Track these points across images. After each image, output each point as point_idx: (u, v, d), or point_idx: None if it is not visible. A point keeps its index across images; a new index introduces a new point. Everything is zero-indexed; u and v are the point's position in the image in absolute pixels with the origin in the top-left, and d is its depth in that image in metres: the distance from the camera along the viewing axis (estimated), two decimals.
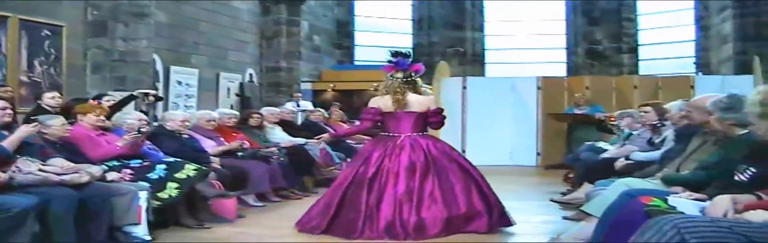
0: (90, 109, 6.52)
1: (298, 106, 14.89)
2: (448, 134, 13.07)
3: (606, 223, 3.99)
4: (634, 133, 8.15)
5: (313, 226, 6.11)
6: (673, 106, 6.30)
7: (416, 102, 6.42)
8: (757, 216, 3.02)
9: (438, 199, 6.04)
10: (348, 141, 11.32)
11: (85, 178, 5.26)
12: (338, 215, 6.06)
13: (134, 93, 8.72)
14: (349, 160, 10.48)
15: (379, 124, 6.55)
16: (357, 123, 8.11)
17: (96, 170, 5.53)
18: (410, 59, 6.60)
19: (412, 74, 6.51)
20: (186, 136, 7.65)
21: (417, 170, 6.12)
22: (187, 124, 7.73)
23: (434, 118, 6.48)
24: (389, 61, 6.59)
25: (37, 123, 5.56)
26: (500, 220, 6.24)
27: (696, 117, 4.96)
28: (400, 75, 6.46)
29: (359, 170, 6.22)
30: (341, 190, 6.17)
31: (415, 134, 6.38)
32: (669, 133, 6.57)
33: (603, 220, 4.15)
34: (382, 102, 6.45)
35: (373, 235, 5.86)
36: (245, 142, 8.45)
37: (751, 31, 16.41)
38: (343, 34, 21.85)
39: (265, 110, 10.13)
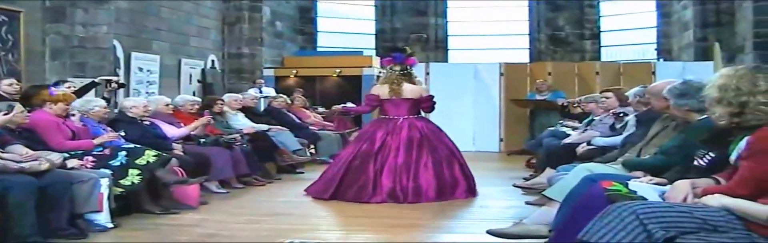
0: (61, 97, 6.42)
1: (261, 92, 14.82)
2: None
3: (568, 208, 4.02)
4: (595, 118, 8.21)
5: (321, 192, 7.43)
6: (632, 92, 6.36)
7: (410, 90, 7.73)
8: (713, 200, 3.06)
9: (430, 169, 7.38)
10: (311, 127, 11.37)
11: (44, 166, 5.22)
12: (342, 184, 7.36)
13: (96, 80, 8.64)
14: (312, 146, 10.61)
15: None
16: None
17: (56, 157, 5.48)
18: (405, 54, 7.91)
19: (408, 67, 7.86)
20: (147, 122, 7.61)
21: (413, 146, 7.47)
22: (148, 110, 7.69)
23: (426, 103, 7.80)
24: (388, 56, 7.95)
25: (12, 110, 5.50)
26: (473, 189, 7.60)
27: (655, 103, 5.01)
28: (397, 68, 7.81)
29: (363, 147, 7.53)
30: (346, 162, 7.48)
31: (411, 117, 7.72)
32: (630, 118, 6.63)
33: (565, 204, 4.19)
34: (381, 90, 7.77)
35: (378, 198, 7.17)
36: (210, 117, 8.47)
37: (711, 17, 16.55)
38: (306, 19, 21.74)
39: (227, 96, 10.08)
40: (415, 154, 7.42)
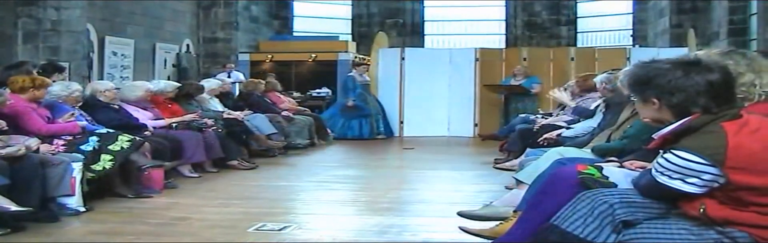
0: (44, 83, 6.38)
1: (230, 76, 14.73)
2: (386, 105, 13.11)
3: (535, 190, 4.05)
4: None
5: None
6: (599, 78, 6.41)
7: None
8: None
9: None
10: (284, 112, 11.33)
11: (21, 152, 5.20)
12: None
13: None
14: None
15: None
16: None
17: (33, 142, 5.47)
18: None
19: None
20: (116, 106, 7.56)
21: None
22: (115, 94, 7.65)
23: None
24: None
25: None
26: None
27: (623, 88, 5.05)
28: None
29: None
30: None
31: None
32: (600, 103, 6.68)
33: (533, 186, 4.22)
34: None
35: None
36: (197, 115, 8.42)
37: (686, 4, 16.66)
38: (282, 4, 21.68)
39: (206, 82, 10.05)
40: None
